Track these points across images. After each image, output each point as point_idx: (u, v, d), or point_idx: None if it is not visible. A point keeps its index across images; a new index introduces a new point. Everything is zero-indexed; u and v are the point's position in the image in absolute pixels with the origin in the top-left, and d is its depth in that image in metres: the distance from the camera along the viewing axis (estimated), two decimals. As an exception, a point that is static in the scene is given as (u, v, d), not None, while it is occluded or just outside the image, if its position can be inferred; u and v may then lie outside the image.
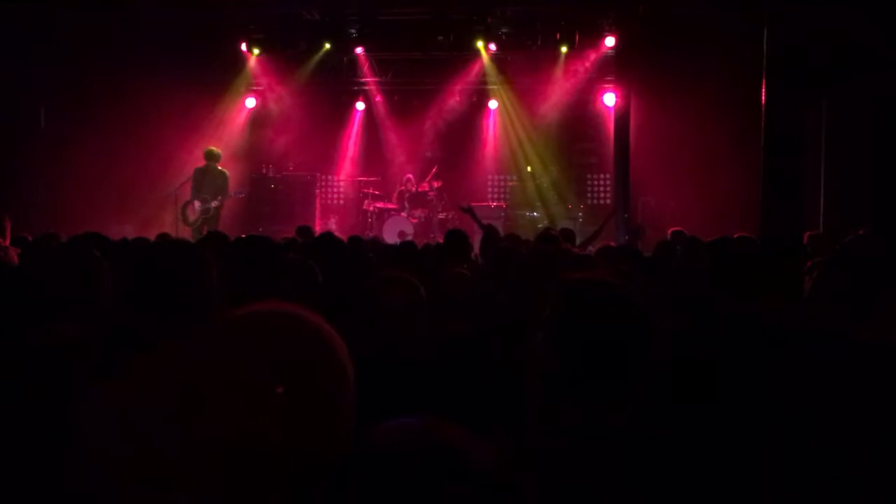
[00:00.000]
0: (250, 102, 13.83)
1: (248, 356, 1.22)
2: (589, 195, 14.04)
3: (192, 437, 1.23)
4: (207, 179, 11.17)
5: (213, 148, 11.40)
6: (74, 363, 1.97)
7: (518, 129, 13.90)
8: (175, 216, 11.05)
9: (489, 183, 14.63)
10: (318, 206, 14.06)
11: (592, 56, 12.92)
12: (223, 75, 13.01)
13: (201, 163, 11.31)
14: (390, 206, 13.43)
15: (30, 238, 6.06)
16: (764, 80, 6.38)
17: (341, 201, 14.92)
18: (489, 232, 6.31)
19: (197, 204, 11.13)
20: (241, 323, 1.25)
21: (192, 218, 11.11)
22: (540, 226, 11.19)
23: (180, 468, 1.27)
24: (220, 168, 11.34)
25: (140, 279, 2.15)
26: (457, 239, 5.81)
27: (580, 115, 13.62)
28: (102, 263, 2.70)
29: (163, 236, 6.94)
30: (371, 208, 13.41)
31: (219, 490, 1.19)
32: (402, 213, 13.13)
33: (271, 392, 1.17)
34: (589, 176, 14.20)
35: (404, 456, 0.87)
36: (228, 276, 2.60)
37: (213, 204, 11.06)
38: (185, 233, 10.74)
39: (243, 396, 1.19)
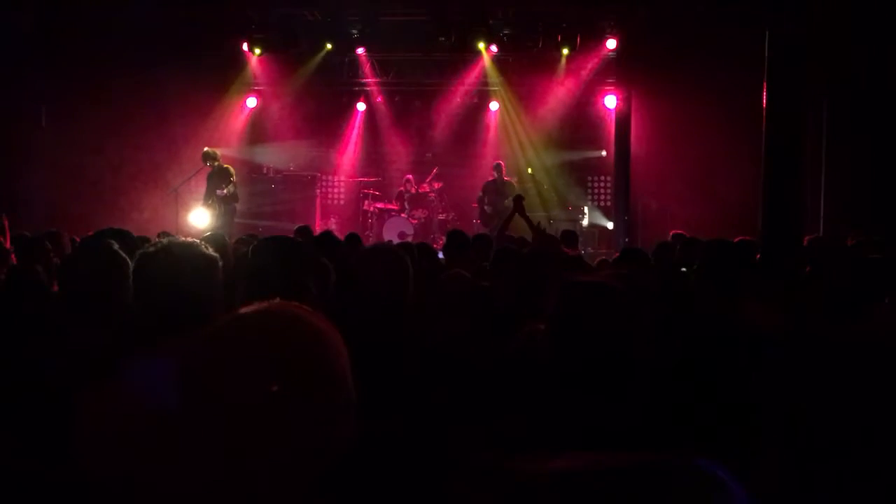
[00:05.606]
0: (251, 102, 13.84)
1: (242, 356, 1.22)
2: (590, 197, 14.02)
3: (192, 437, 1.23)
4: (215, 181, 11.05)
5: (207, 149, 11.28)
6: (81, 367, 1.95)
7: (519, 130, 13.89)
8: (175, 215, 10.99)
9: (490, 184, 14.61)
10: (318, 206, 14.06)
11: (594, 58, 12.91)
12: (224, 75, 13.01)
13: (201, 163, 11.24)
14: (390, 206, 13.43)
15: (28, 236, 6.04)
16: (765, 83, 6.38)
17: (342, 202, 14.92)
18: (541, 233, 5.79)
19: (203, 209, 11.09)
20: (235, 324, 1.26)
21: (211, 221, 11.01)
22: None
23: (180, 467, 1.27)
24: (223, 165, 11.24)
25: (142, 282, 2.13)
26: (458, 240, 5.83)
27: (581, 117, 13.61)
28: (127, 263, 2.63)
29: (163, 235, 6.93)
30: (371, 209, 13.41)
31: (218, 487, 1.20)
32: (403, 214, 13.14)
33: (267, 391, 1.17)
34: (590, 178, 14.18)
35: None
36: (253, 275, 2.58)
37: (218, 194, 10.84)
38: (184, 232, 10.70)
39: (239, 395, 1.19)
